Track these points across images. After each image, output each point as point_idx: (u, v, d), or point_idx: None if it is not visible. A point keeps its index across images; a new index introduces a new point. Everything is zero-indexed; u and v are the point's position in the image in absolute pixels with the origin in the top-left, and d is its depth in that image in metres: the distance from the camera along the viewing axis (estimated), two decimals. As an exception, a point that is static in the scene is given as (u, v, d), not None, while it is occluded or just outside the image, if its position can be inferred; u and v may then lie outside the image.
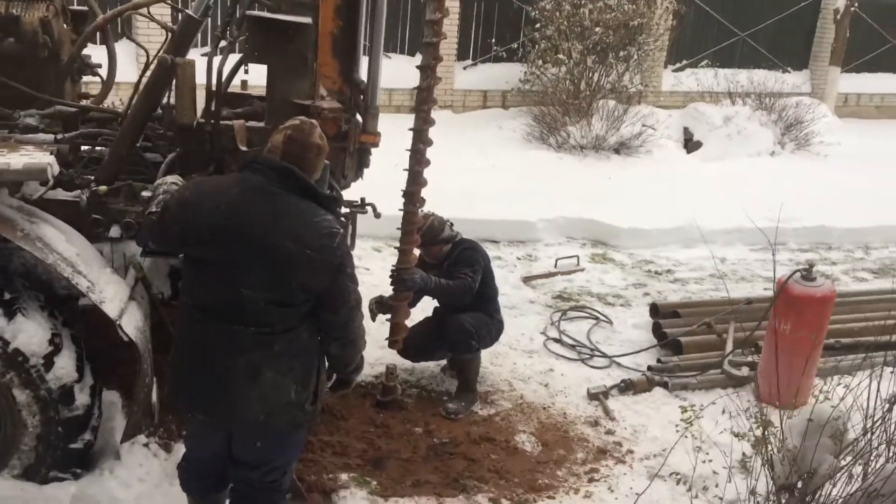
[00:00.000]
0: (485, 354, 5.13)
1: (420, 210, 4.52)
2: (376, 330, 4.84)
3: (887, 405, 2.69)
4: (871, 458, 2.67)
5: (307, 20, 3.65)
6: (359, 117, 4.07)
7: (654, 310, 6.23)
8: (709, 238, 7.75)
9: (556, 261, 7.35)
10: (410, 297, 4.70)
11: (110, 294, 3.37)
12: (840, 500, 2.61)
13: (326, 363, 3.09)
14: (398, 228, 4.48)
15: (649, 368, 5.46)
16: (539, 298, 6.66)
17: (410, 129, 4.29)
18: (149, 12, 4.02)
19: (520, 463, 4.37)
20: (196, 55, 3.84)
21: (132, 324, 3.38)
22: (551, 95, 11.23)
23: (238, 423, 2.97)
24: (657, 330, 5.95)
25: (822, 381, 4.15)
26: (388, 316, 4.70)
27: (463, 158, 9.38)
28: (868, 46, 14.09)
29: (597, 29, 10.94)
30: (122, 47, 4.87)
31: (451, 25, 11.40)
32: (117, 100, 5.27)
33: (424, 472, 4.19)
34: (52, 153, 3.28)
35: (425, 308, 5.10)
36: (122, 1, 6.91)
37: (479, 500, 3.99)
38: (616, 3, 10.99)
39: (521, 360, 5.53)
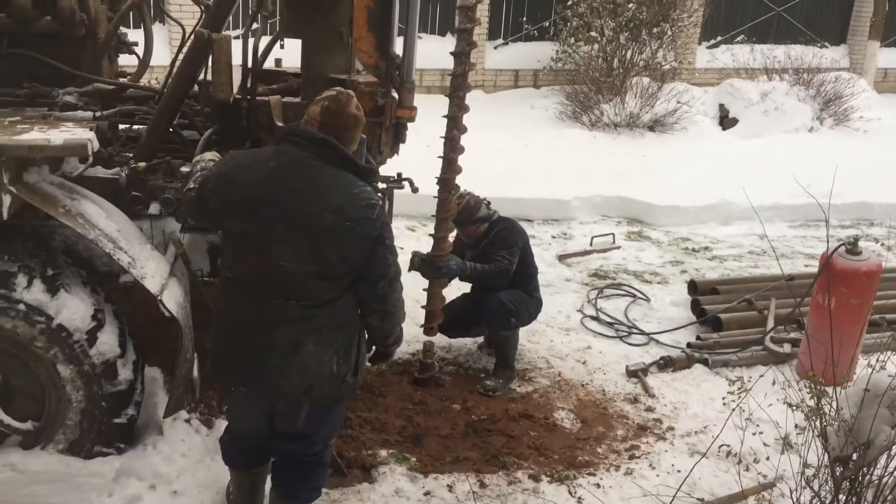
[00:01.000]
0: (522, 332, 5.10)
1: (455, 192, 4.49)
2: (413, 308, 4.81)
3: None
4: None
5: (343, -7, 3.61)
6: (394, 92, 4.02)
7: (693, 287, 6.15)
8: (747, 215, 7.64)
9: (592, 239, 7.28)
10: (446, 285, 4.67)
11: (151, 270, 3.38)
12: None
13: (366, 335, 3.07)
14: (433, 216, 4.45)
15: (688, 345, 5.39)
16: (575, 276, 6.61)
17: (445, 117, 4.24)
18: (184, -11, 4.00)
19: (559, 440, 4.33)
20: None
21: (173, 300, 3.39)
22: (584, 73, 11.11)
23: (280, 397, 2.97)
24: (696, 307, 5.87)
25: (867, 358, 4.07)
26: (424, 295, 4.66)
27: (495, 139, 9.32)
28: (909, 19, 13.77)
29: (630, 5, 10.79)
30: (156, 30, 4.87)
31: (481, 5, 11.29)
32: (153, 79, 5.29)
33: (463, 449, 4.17)
34: (91, 130, 3.29)
35: (462, 284, 5.06)
36: (155, -17, 6.92)
37: (518, 476, 3.97)
38: (649, -22, 10.84)
39: (559, 338, 5.49)
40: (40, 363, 3.33)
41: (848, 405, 2.59)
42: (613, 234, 7.40)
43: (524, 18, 12.48)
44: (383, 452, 4.06)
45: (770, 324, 5.43)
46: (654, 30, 11.07)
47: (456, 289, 5.11)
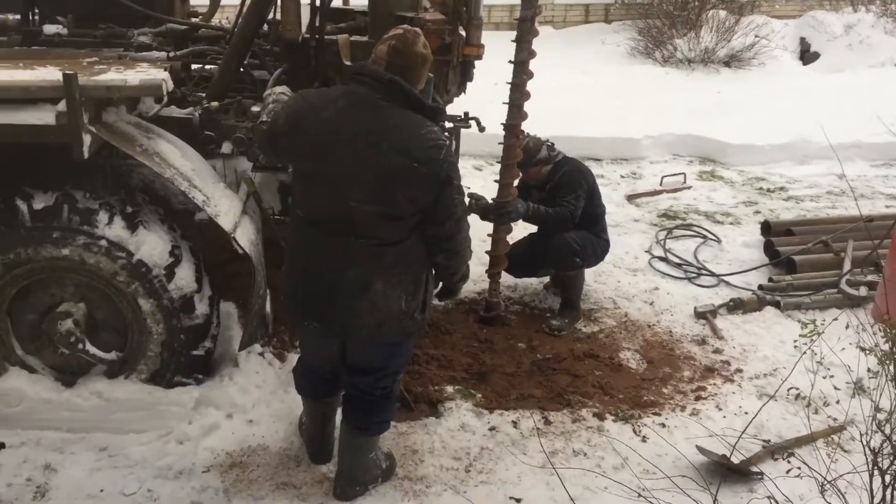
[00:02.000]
0: (589, 273, 5.08)
1: (522, 137, 4.44)
2: (479, 248, 4.85)
3: None
4: None
5: (410, -72, 3.56)
6: (462, 30, 3.98)
7: (766, 228, 6.01)
8: (825, 154, 7.38)
9: (662, 178, 7.15)
10: (511, 230, 4.67)
11: (224, 208, 3.47)
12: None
13: (433, 273, 3.11)
14: (498, 161, 4.41)
15: (760, 287, 5.30)
16: (644, 217, 6.52)
17: (511, 62, 4.18)
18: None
19: (624, 379, 4.34)
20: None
21: (246, 237, 3.48)
22: (657, 7, 10.77)
23: (351, 333, 3.04)
24: (769, 249, 5.75)
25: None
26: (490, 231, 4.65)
27: (564, 76, 9.16)
28: None
29: (708, -66, 10.36)
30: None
31: (552, -64, 10.98)
32: (224, 19, 5.33)
33: (528, 387, 4.22)
34: (165, 70, 3.35)
35: (528, 225, 5.06)
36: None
37: (583, 414, 4.00)
38: None
39: (626, 279, 5.44)
40: (122, 297, 3.47)
41: (925, 350, 2.52)
42: (685, 174, 7.25)
43: (596, -50, 12.11)
44: (449, 388, 4.14)
45: (846, 266, 5.28)
46: (733, -41, 10.62)
47: (522, 228, 5.10)
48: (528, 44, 4.11)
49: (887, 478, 2.53)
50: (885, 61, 10.50)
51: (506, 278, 5.04)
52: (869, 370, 2.64)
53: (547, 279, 5.25)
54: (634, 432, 3.87)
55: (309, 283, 3.00)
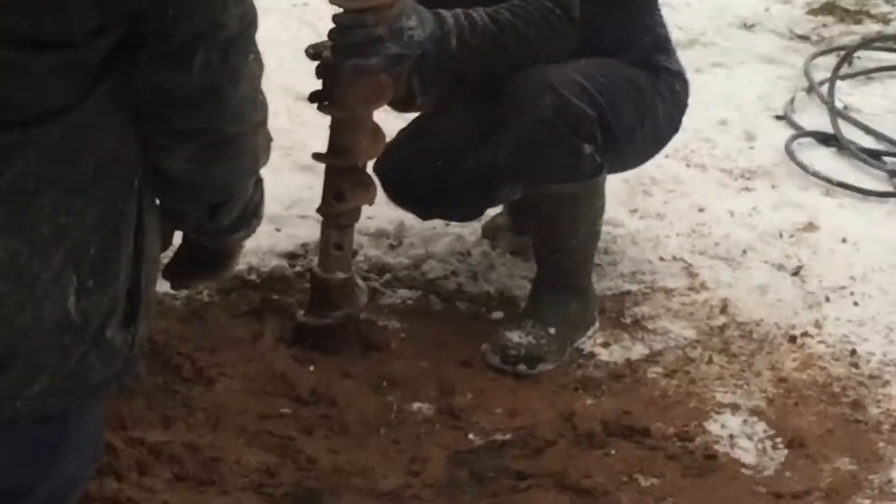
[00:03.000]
0: (617, 186, 2.32)
1: None
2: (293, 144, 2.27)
3: None
4: None
5: None
6: None
7: None
8: None
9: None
10: (387, 92, 2.00)
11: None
12: None
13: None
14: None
15: None
16: (767, 18, 3.31)
17: None
18: None
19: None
20: None
21: None
22: None
23: None
24: None
25: None
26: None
27: None
28: None
29: None
30: None
31: None
32: None
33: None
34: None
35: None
36: None
37: None
38: None
39: (722, 196, 2.60)
40: None
41: None
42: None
43: None
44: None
45: None
46: None
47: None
48: None
49: None
50: None
51: (381, 223, 2.28)
52: None
53: (497, 211, 2.33)
54: None
55: None
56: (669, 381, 1.98)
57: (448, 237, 2.35)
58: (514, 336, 1.91)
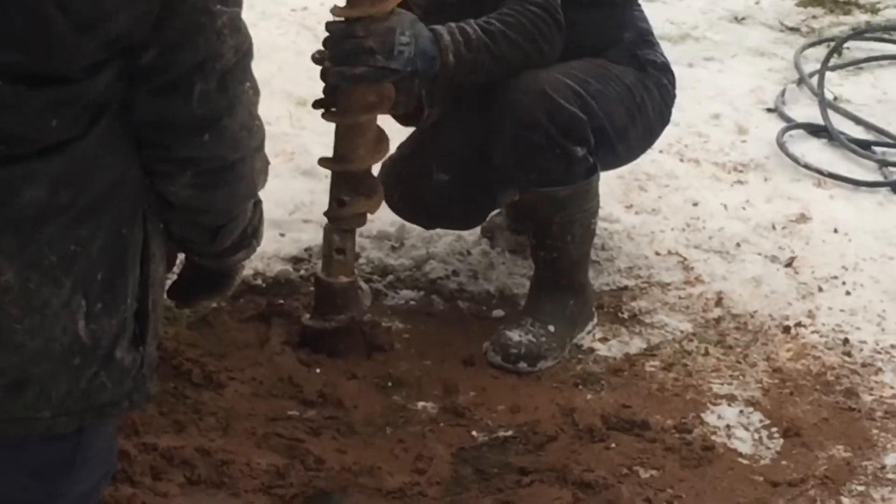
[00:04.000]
0: (611, 183, 2.39)
1: None
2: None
3: None
4: None
5: None
6: None
7: None
8: None
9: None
10: (387, 102, 2.00)
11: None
12: None
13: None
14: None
15: None
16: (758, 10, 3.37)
17: None
18: None
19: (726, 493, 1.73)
20: None
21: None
22: None
23: None
24: None
25: None
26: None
27: None
28: None
29: None
30: None
31: None
32: None
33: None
34: None
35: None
36: None
37: None
38: None
39: (715, 189, 2.63)
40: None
41: None
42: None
43: None
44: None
45: None
46: None
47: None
48: None
49: None
50: None
51: (383, 225, 2.32)
52: None
53: (495, 213, 2.34)
54: None
55: None
56: (667, 374, 2.02)
57: (448, 237, 2.38)
58: (515, 335, 1.95)
